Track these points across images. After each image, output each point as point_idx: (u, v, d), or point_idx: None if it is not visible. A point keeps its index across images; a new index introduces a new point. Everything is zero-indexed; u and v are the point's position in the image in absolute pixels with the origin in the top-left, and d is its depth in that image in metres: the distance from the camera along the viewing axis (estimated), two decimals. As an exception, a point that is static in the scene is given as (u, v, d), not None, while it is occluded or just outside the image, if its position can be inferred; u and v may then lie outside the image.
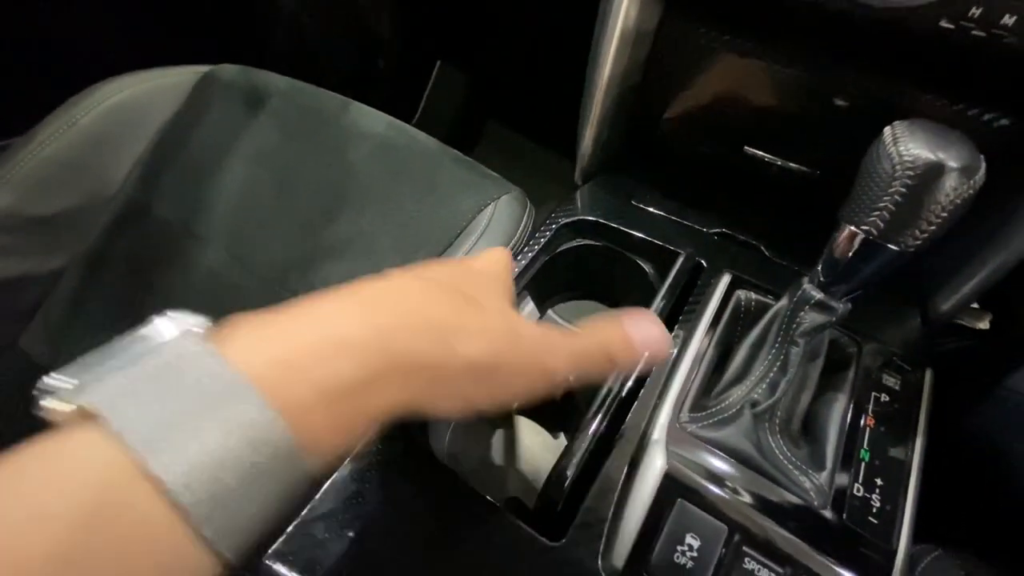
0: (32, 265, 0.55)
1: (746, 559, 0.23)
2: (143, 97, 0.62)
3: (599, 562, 0.24)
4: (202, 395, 0.14)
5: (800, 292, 0.28)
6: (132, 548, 0.13)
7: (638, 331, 0.22)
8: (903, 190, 0.23)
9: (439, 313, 0.19)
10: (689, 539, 0.24)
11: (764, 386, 0.30)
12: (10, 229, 0.53)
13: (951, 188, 0.23)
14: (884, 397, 0.30)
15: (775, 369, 0.29)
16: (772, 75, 0.37)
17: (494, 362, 0.19)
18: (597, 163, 0.46)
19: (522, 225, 0.49)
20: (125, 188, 0.58)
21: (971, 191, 0.23)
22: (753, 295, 0.35)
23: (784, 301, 0.29)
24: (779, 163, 0.40)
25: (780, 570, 0.23)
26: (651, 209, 0.42)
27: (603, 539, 0.25)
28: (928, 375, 0.32)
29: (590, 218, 0.40)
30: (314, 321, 0.17)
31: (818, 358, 0.31)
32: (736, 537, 0.24)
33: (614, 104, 0.42)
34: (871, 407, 0.30)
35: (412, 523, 0.25)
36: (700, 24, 0.37)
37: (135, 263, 0.55)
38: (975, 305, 0.60)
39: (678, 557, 0.24)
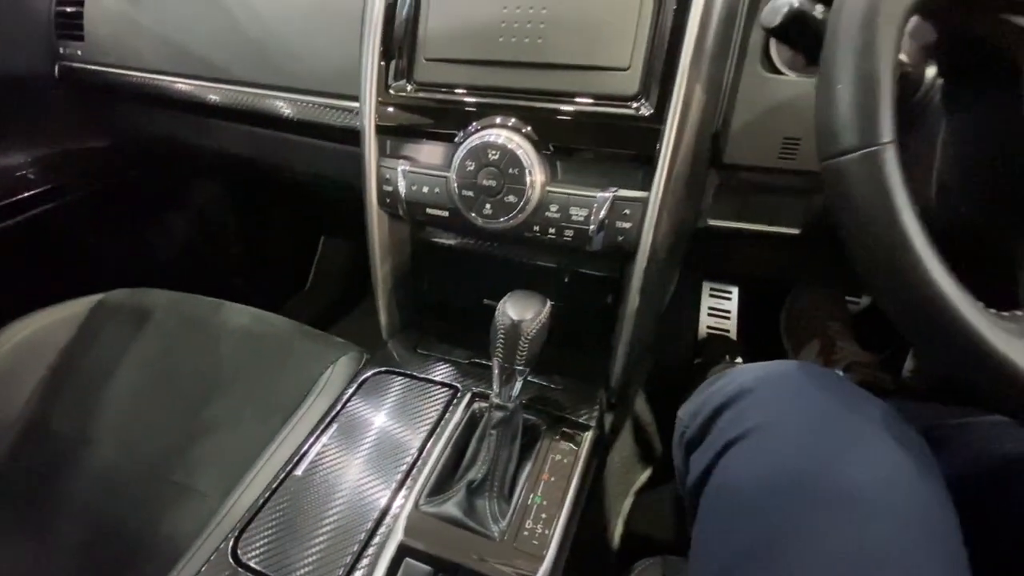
0: (-65, 499, 0.62)
1: None
2: (43, 332, 0.75)
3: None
4: None
5: (489, 400, 0.45)
6: None
7: None
8: (502, 336, 0.41)
9: None
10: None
11: (483, 467, 0.45)
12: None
13: (525, 331, 0.41)
14: (557, 456, 0.47)
15: (485, 454, 0.45)
16: (482, 255, 0.58)
17: None
18: (396, 325, 0.64)
19: (354, 377, 0.64)
20: (25, 411, 0.69)
21: (537, 327, 0.41)
22: (484, 404, 0.52)
23: (489, 406, 0.46)
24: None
25: None
26: (430, 353, 0.59)
27: None
28: (588, 435, 0.48)
29: (384, 369, 0.57)
30: None
31: (516, 439, 0.47)
32: (430, 572, 0.38)
33: (394, 289, 0.61)
34: (548, 465, 0.46)
35: None
36: (432, 230, 0.59)
37: (34, 477, 0.65)
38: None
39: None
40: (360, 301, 1.39)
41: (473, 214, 0.49)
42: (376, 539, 0.41)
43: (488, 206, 0.48)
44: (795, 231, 0.53)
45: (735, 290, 1.12)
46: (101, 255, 0.95)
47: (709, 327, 1.09)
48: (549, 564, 0.39)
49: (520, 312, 0.41)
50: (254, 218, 1.25)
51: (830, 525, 0.28)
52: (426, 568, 0.38)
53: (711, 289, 1.11)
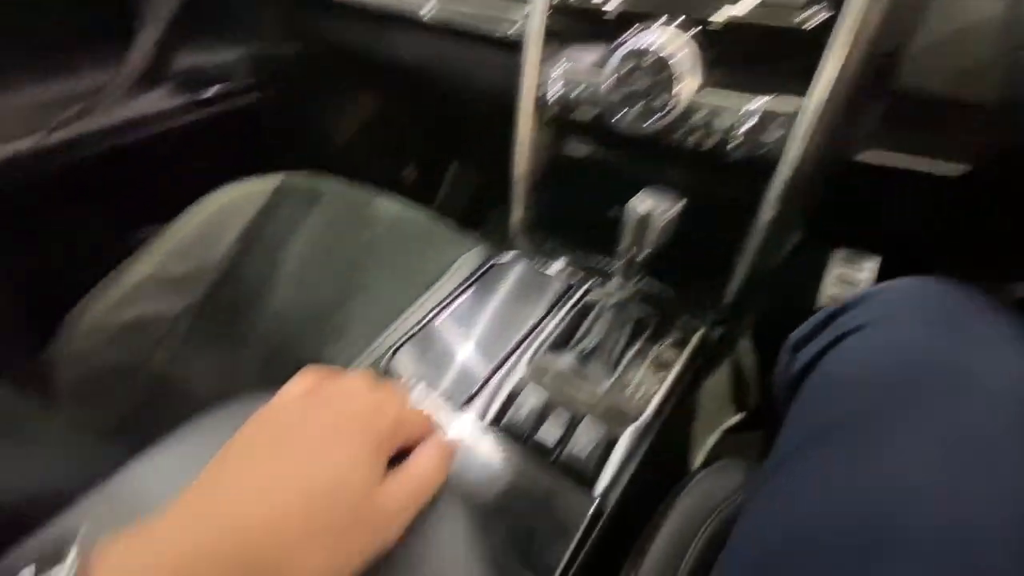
0: (162, 309, 0.82)
1: (556, 411, 0.44)
2: (239, 200, 0.92)
3: (483, 420, 0.45)
4: None
5: (609, 283, 0.50)
6: None
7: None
8: (632, 225, 0.46)
9: (284, 525, 0.22)
10: (525, 408, 0.45)
11: (595, 341, 0.51)
12: (153, 284, 0.81)
13: (655, 222, 0.45)
14: (663, 349, 0.51)
15: (599, 329, 0.51)
16: (616, 165, 0.61)
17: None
18: (525, 224, 0.70)
19: (484, 263, 0.72)
20: (224, 259, 0.86)
21: (667, 219, 0.45)
22: (601, 293, 0.57)
23: (609, 292, 0.51)
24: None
25: (567, 417, 0.44)
26: (554, 251, 0.65)
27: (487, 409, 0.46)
28: (695, 338, 0.52)
29: (511, 258, 0.64)
30: (176, 532, 0.21)
31: (627, 325, 0.52)
32: (552, 399, 0.45)
33: (529, 191, 0.67)
34: (653, 354, 0.50)
35: None
36: (570, 141, 0.63)
37: (227, 309, 0.82)
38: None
39: (519, 414, 0.45)
40: (481, 224, 1.49)
41: (620, 117, 0.52)
42: (499, 375, 0.49)
43: (635, 110, 0.51)
44: (960, 170, 0.50)
45: (872, 263, 1.04)
46: (285, 143, 1.12)
47: (831, 297, 1.04)
48: (650, 416, 0.44)
49: (653, 204, 0.45)
50: (399, 131, 1.37)
51: (936, 407, 0.29)
52: (539, 403, 0.45)
53: (843, 257, 1.05)
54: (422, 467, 0.29)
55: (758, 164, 0.49)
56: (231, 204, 0.92)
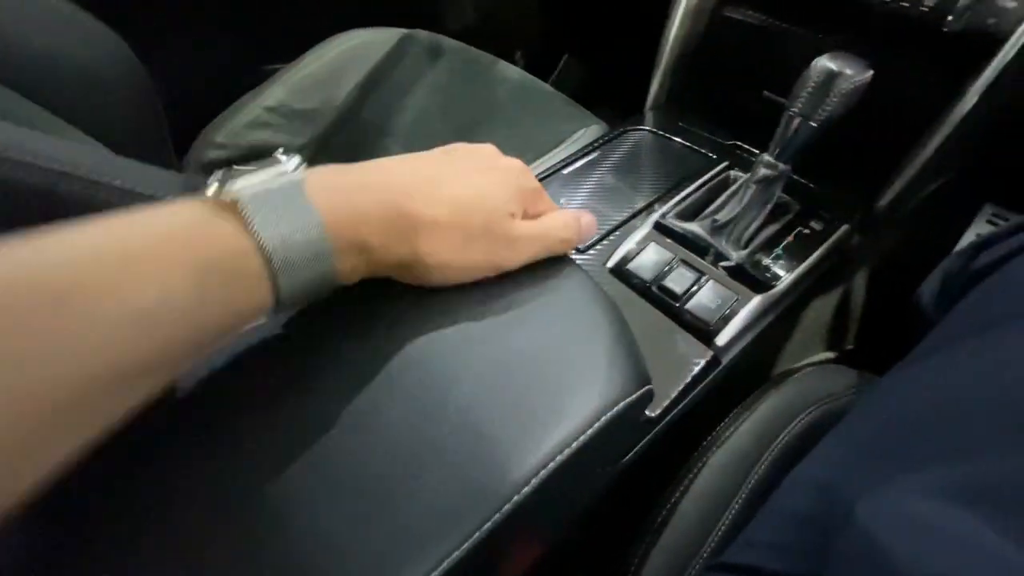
0: (286, 140, 0.86)
1: (680, 268, 0.43)
2: (364, 45, 0.92)
3: (605, 265, 0.45)
4: (290, 206, 0.22)
5: (759, 157, 0.47)
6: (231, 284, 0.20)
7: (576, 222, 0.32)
8: (812, 85, 0.41)
9: (431, 215, 0.26)
10: (649, 260, 0.44)
11: (731, 214, 0.48)
12: (280, 114, 0.84)
13: (840, 85, 0.40)
14: (806, 231, 0.48)
15: (735, 204, 0.48)
16: (782, 41, 0.55)
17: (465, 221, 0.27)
18: (662, 98, 0.66)
19: (605, 136, 0.69)
20: (346, 99, 0.88)
21: (854, 85, 0.40)
22: (738, 172, 0.53)
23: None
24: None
25: (692, 275, 0.43)
26: (691, 128, 0.61)
27: (610, 256, 0.46)
28: (837, 233, 0.48)
29: (643, 128, 0.61)
30: (370, 177, 0.28)
31: (769, 203, 0.48)
32: (677, 257, 0.44)
33: (674, 61, 0.62)
34: (796, 232, 0.47)
35: None
36: (738, 5, 0.57)
37: (346, 147, 0.85)
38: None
39: (641, 265, 0.44)
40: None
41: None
42: (623, 229, 0.48)
43: (843, -42, 0.45)
44: None
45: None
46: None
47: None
48: (780, 291, 0.42)
49: (842, 66, 0.40)
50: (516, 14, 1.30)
51: None
52: (664, 259, 0.45)
53: (992, 213, 0.93)
54: (555, 219, 0.31)
55: (976, 41, 0.42)
56: (356, 48, 0.92)
